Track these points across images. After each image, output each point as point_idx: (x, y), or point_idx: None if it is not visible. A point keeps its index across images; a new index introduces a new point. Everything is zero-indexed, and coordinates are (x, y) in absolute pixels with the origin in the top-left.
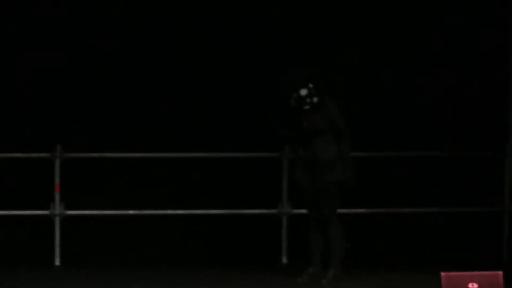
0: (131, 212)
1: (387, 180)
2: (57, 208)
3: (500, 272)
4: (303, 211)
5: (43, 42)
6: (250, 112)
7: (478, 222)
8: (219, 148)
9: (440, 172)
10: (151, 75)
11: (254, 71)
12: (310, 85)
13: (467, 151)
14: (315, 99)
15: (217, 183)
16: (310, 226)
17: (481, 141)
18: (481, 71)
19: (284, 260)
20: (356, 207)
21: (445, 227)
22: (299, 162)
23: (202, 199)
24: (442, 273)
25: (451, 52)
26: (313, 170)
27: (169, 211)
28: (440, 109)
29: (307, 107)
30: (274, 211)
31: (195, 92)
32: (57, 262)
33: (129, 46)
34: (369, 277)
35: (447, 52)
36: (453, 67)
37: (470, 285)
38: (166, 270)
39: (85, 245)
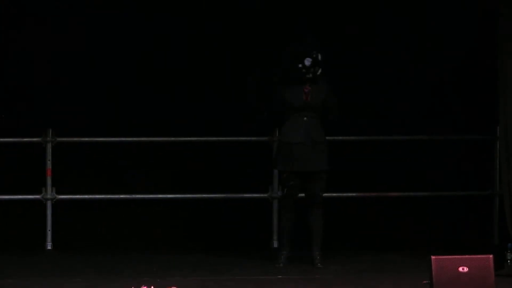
0: (122, 196)
1: (378, 164)
2: (49, 193)
3: (491, 256)
4: None
5: (36, 24)
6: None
7: (469, 206)
8: (213, 133)
9: (430, 156)
10: (143, 58)
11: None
12: (314, 55)
13: (457, 134)
14: (319, 70)
15: (210, 168)
16: (286, 209)
17: (472, 125)
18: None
19: (275, 244)
20: (346, 191)
21: (436, 211)
22: (284, 143)
23: (194, 183)
24: (433, 257)
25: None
26: (306, 152)
27: (160, 195)
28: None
29: (309, 75)
30: (265, 195)
31: (190, 76)
32: (49, 247)
33: (120, 28)
34: (358, 260)
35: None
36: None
37: (460, 268)
38: (156, 255)
39: (76, 230)
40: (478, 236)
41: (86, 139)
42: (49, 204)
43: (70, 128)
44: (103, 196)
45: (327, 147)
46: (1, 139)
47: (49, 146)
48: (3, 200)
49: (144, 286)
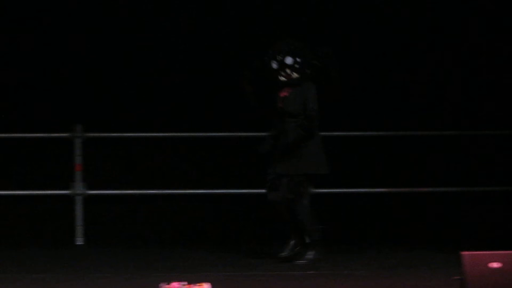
0: (152, 191)
1: (405, 160)
2: (78, 188)
3: None
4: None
5: (62, 22)
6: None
7: (501, 202)
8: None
9: (457, 151)
10: (173, 55)
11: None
12: (298, 59)
13: (483, 130)
14: (294, 74)
15: (242, 163)
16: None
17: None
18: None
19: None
20: (377, 187)
21: (468, 207)
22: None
23: (225, 178)
24: (464, 252)
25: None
26: (277, 155)
27: (190, 191)
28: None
29: (283, 78)
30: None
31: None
32: (79, 242)
33: (143, 26)
34: (390, 256)
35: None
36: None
37: (493, 264)
38: (188, 250)
39: (107, 225)
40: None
41: (115, 134)
42: (78, 199)
43: (99, 123)
44: (132, 191)
45: (313, 150)
46: (31, 134)
47: (78, 141)
48: (34, 195)
49: (175, 282)
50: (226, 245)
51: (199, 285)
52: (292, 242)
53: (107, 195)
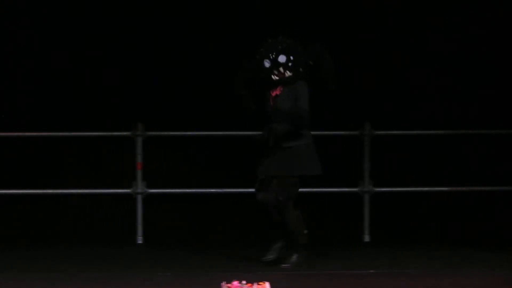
0: (212, 190)
1: (470, 158)
2: (139, 187)
3: None
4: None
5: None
6: None
7: None
8: None
9: (480, 150)
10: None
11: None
12: (291, 57)
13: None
14: (288, 73)
15: None
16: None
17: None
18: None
19: (367, 239)
20: (435, 185)
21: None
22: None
23: None
24: None
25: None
26: (268, 157)
27: (251, 190)
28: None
29: (276, 77)
30: (355, 189)
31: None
32: (139, 241)
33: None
34: (447, 254)
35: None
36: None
37: None
38: (247, 250)
39: (167, 224)
40: None
41: (176, 132)
42: (139, 198)
43: (159, 122)
44: (192, 190)
45: (306, 151)
46: (93, 133)
47: (139, 140)
48: (95, 194)
49: (236, 281)
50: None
51: (259, 285)
52: (277, 245)
53: (168, 193)
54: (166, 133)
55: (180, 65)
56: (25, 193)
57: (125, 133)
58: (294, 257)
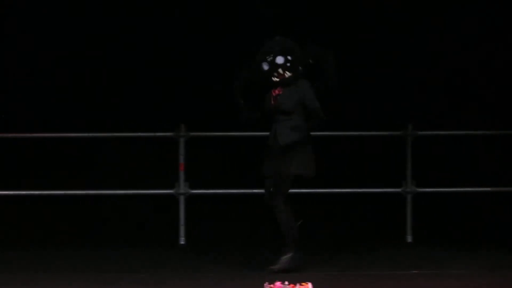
0: (255, 191)
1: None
2: (182, 187)
3: None
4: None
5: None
6: None
7: None
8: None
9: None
10: None
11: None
12: (289, 57)
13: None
14: (287, 73)
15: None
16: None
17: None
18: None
19: (409, 239)
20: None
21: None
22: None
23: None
24: None
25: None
26: (272, 156)
27: (295, 190)
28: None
29: (275, 79)
30: (398, 189)
31: None
32: (182, 241)
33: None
34: (492, 254)
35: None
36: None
37: None
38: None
39: (209, 225)
40: None
41: (219, 133)
42: (182, 198)
43: (202, 123)
44: (233, 190)
45: (305, 151)
46: (135, 134)
47: (182, 140)
48: (138, 194)
49: (278, 282)
50: (326, 246)
51: (301, 285)
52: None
53: (210, 194)
54: (209, 133)
55: (180, 65)
56: (68, 194)
57: (167, 134)
58: (284, 259)
